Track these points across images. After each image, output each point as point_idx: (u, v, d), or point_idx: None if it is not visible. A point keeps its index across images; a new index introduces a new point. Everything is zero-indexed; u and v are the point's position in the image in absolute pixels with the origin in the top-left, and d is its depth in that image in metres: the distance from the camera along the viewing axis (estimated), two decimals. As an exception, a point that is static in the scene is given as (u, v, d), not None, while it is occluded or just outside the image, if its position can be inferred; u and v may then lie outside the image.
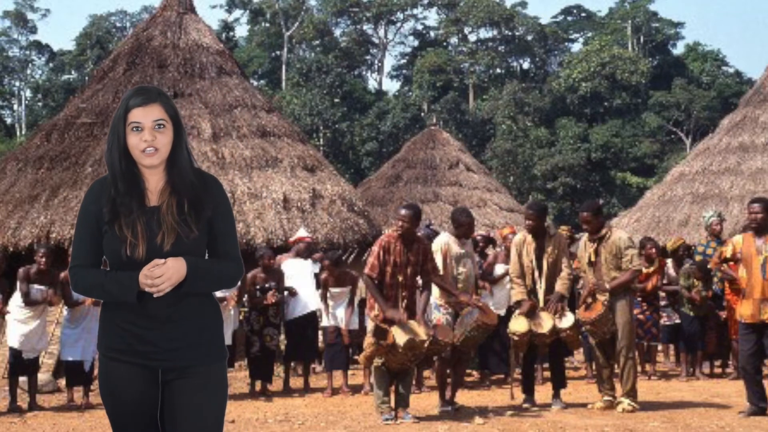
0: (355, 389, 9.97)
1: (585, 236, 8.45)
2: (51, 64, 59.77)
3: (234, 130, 14.98)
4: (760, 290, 7.69)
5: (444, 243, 8.18)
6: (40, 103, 56.54)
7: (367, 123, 48.97)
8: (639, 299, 10.60)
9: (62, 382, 10.18)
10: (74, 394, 9.38)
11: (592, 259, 8.23)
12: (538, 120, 49.72)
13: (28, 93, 58.35)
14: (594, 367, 9.04)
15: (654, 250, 10.80)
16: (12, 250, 12.70)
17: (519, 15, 57.62)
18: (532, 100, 49.88)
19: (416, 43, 61.01)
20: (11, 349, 9.24)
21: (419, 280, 7.94)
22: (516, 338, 8.16)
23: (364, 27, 60.40)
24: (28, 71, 59.02)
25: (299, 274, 10.53)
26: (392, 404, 7.75)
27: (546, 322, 8.11)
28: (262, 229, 13.44)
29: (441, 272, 7.93)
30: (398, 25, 60.87)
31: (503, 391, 9.52)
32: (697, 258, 11.21)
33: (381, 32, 60.60)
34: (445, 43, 58.95)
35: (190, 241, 2.98)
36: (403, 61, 61.17)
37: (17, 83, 58.28)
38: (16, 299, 9.20)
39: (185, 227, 2.98)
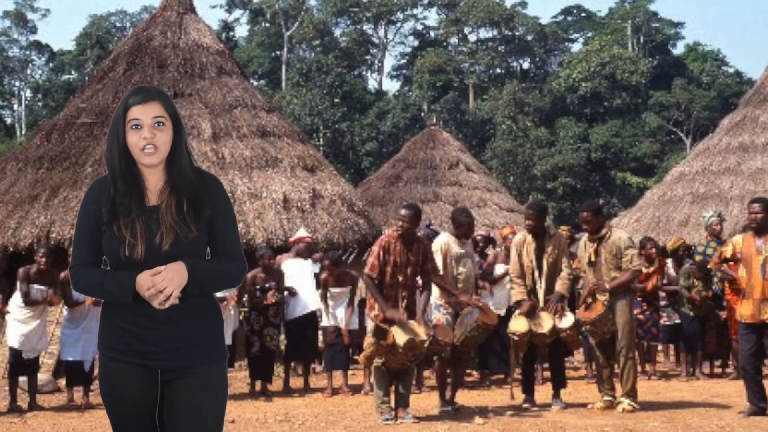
0: (355, 389, 9.97)
1: (585, 236, 8.45)
2: (51, 64, 59.77)
3: (234, 130, 14.99)
4: (760, 290, 7.69)
5: (444, 243, 8.18)
6: (40, 103, 56.55)
7: (367, 123, 48.98)
8: (639, 299, 10.60)
9: (62, 382, 10.18)
10: (74, 394, 9.38)
11: (592, 259, 8.23)
12: (538, 120, 49.72)
13: (28, 93, 58.37)
14: (594, 367, 9.04)
15: (654, 250, 10.80)
16: (12, 250, 12.70)
17: (519, 15, 57.63)
18: (532, 100, 49.88)
19: (416, 43, 61.03)
20: (11, 349, 9.24)
21: (419, 280, 7.94)
22: (516, 338, 8.16)
23: (364, 27, 60.41)
24: (28, 71, 59.04)
25: (299, 274, 10.53)
26: (392, 404, 7.75)
27: (546, 322, 8.11)
28: (262, 229, 13.45)
29: (441, 272, 7.93)
30: (398, 25, 60.92)
31: (503, 391, 9.52)
32: (697, 258, 11.21)
33: (381, 32, 60.62)
34: (445, 43, 58.96)
35: (189, 241, 2.98)
36: (403, 61, 61.20)
37: (17, 83, 58.30)
38: (16, 299, 9.20)
39: (184, 227, 2.98)
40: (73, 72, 58.14)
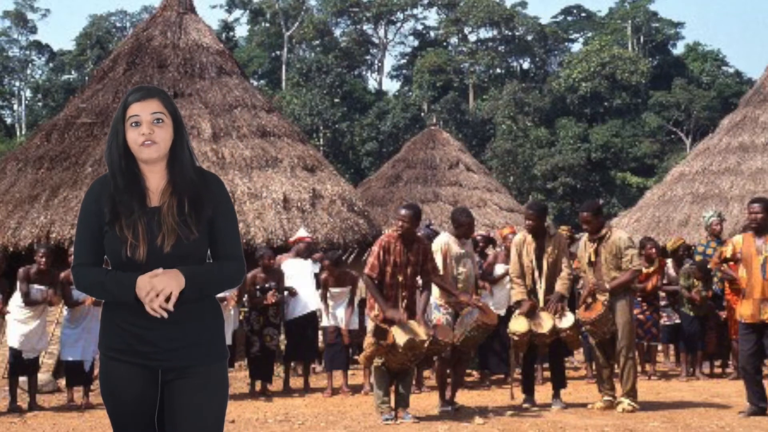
0: (355, 389, 9.97)
1: (585, 236, 8.45)
2: (51, 64, 59.77)
3: (234, 130, 14.99)
4: (760, 290, 7.69)
5: (444, 243, 8.18)
6: (40, 103, 56.55)
7: (367, 123, 48.98)
8: (639, 299, 10.60)
9: (62, 382, 10.18)
10: (74, 394, 9.38)
11: (592, 259, 8.23)
12: (538, 120, 49.72)
13: (28, 93, 58.37)
14: (594, 367, 9.04)
15: (654, 250, 10.80)
16: (12, 250, 12.70)
17: (519, 15, 57.63)
18: (532, 100, 49.88)
19: (416, 43, 61.03)
20: (11, 349, 9.23)
21: (419, 280, 7.94)
22: (516, 338, 8.16)
23: (364, 27, 60.41)
24: (28, 71, 59.04)
25: (299, 274, 10.53)
26: (392, 404, 7.75)
27: (546, 322, 8.11)
28: (262, 229, 13.45)
29: (441, 272, 7.93)
30: (398, 25, 60.92)
31: (503, 391, 9.52)
32: (697, 258, 11.21)
33: (381, 32, 60.62)
34: (445, 43, 58.96)
35: (190, 243, 2.97)
36: (403, 61, 61.20)
37: (17, 83, 58.30)
38: (16, 299, 9.20)
39: (185, 228, 2.97)
40: (73, 72, 58.15)
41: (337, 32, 59.52)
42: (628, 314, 8.18)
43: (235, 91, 15.72)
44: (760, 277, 7.71)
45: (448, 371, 8.34)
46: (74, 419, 8.46)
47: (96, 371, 9.63)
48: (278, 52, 57.80)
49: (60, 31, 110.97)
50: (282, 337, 10.63)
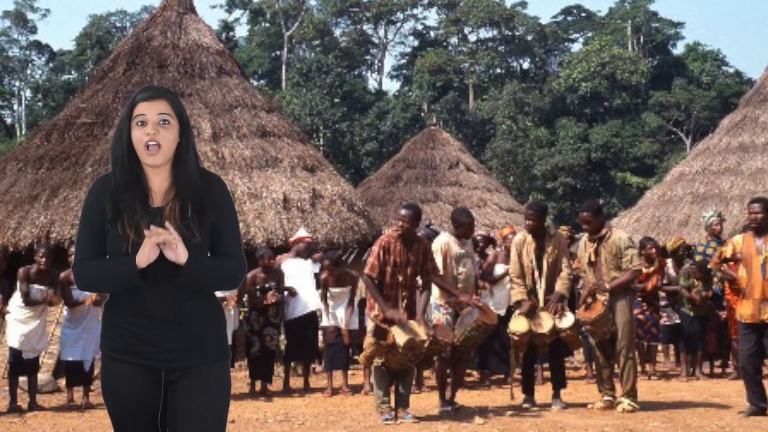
0: (355, 389, 9.97)
1: (585, 236, 8.45)
2: (51, 64, 59.77)
3: (234, 130, 14.99)
4: (760, 290, 7.69)
5: (444, 243, 8.18)
6: (40, 103, 56.54)
7: (367, 123, 48.98)
8: (639, 299, 10.60)
9: (62, 382, 10.18)
10: (74, 394, 9.38)
11: (592, 259, 8.23)
12: (538, 120, 49.72)
13: (28, 93, 58.37)
14: (594, 367, 9.04)
15: (654, 250, 10.79)
16: (12, 250, 12.70)
17: (519, 15, 57.62)
18: (532, 100, 49.88)
19: (416, 43, 61.02)
20: (11, 349, 9.23)
21: (419, 280, 7.94)
22: (516, 338, 8.16)
23: (364, 27, 60.41)
24: (28, 71, 59.04)
25: (299, 274, 10.53)
26: (392, 404, 7.75)
27: (546, 322, 8.11)
28: (262, 229, 13.45)
29: (441, 272, 7.93)
30: (398, 25, 60.92)
31: (503, 391, 9.52)
32: (697, 258, 11.21)
33: (381, 32, 60.62)
34: (445, 43, 58.96)
35: (192, 246, 2.95)
36: (403, 61, 61.20)
37: (17, 83, 58.30)
38: (16, 299, 9.20)
39: (187, 232, 2.96)
40: (73, 72, 58.14)
41: (337, 32, 59.56)
42: (628, 314, 8.18)
43: (235, 91, 15.72)
44: (760, 277, 7.71)
45: (448, 371, 8.34)
46: (74, 419, 8.46)
47: (96, 371, 9.63)
48: (278, 52, 57.80)
49: (60, 31, 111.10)
50: (282, 337, 10.63)
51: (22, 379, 9.52)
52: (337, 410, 8.53)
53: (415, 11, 60.18)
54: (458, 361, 8.32)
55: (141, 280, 2.90)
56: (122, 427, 3.04)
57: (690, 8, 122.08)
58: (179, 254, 2.89)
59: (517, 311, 8.29)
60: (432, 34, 61.06)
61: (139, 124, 2.97)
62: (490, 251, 11.80)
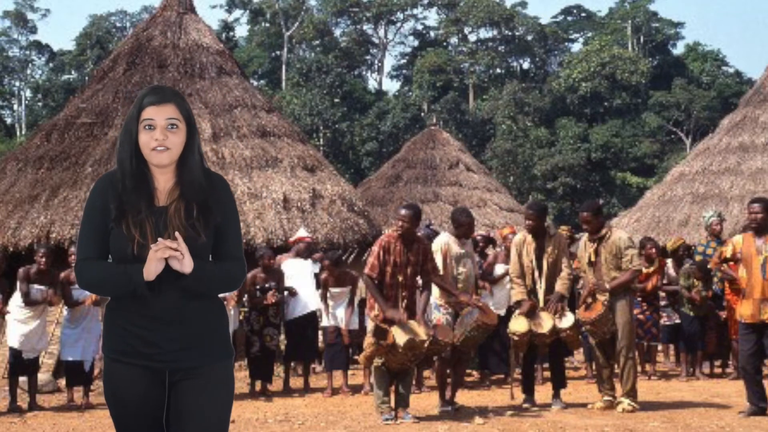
0: (355, 389, 9.98)
1: (585, 236, 8.45)
2: (51, 64, 59.77)
3: (234, 130, 14.99)
4: (760, 290, 7.69)
5: (444, 243, 8.18)
6: (40, 103, 56.54)
7: (367, 123, 48.98)
8: (639, 299, 10.60)
9: (62, 382, 10.18)
10: (74, 394, 9.38)
11: (592, 259, 8.23)
12: (538, 120, 49.72)
13: (28, 93, 58.36)
14: (594, 367, 9.04)
15: (654, 250, 10.80)
16: (12, 250, 12.69)
17: (519, 15, 57.63)
18: (532, 100, 49.88)
19: (416, 43, 61.02)
20: (11, 349, 9.23)
21: (419, 280, 7.94)
22: (516, 338, 8.16)
23: (364, 27, 60.41)
24: (28, 71, 59.03)
25: (299, 274, 10.53)
26: (392, 404, 7.75)
27: (546, 322, 8.11)
28: (262, 229, 13.44)
29: (441, 272, 7.93)
30: (398, 25, 60.92)
31: (503, 391, 9.52)
32: (697, 258, 11.21)
33: (381, 32, 60.62)
34: (445, 43, 58.96)
35: (198, 245, 2.95)
36: (403, 61, 61.20)
37: (17, 83, 58.30)
38: (16, 299, 9.20)
39: (193, 232, 2.95)
40: (73, 72, 58.15)
41: (337, 32, 59.57)
42: (628, 314, 8.18)
43: (235, 91, 15.72)
44: (760, 277, 7.71)
45: (448, 371, 8.34)
46: (74, 419, 8.46)
47: (96, 371, 9.63)
48: (278, 52, 57.80)
49: (60, 31, 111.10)
50: (282, 337, 10.63)
51: (22, 379, 9.52)
52: (337, 410, 8.53)
53: (415, 11, 60.25)
54: (458, 361, 8.32)
55: (147, 290, 2.90)
56: (124, 428, 3.02)
57: (690, 8, 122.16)
58: (185, 265, 2.88)
59: (517, 311, 8.29)
60: (432, 34, 61.07)
61: (147, 128, 2.96)
62: (490, 251, 11.80)
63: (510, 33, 56.85)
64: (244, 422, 7.77)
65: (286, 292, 10.19)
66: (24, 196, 13.71)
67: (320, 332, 10.60)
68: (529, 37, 57.63)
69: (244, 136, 14.95)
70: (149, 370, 2.96)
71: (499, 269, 10.48)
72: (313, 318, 10.47)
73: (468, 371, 10.16)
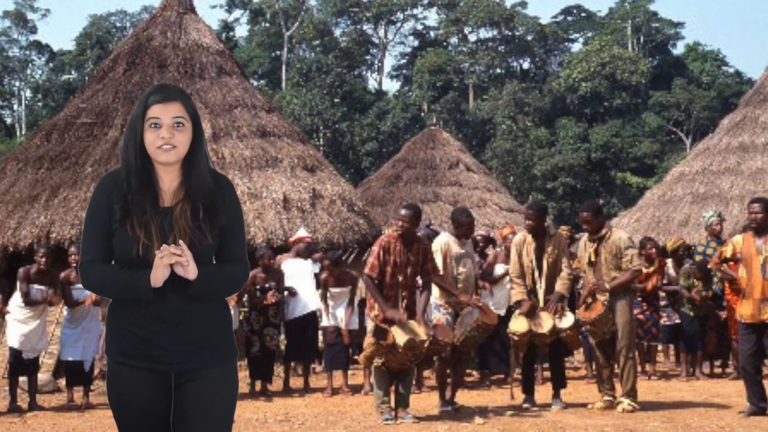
0: (355, 389, 9.97)
1: (585, 236, 8.45)
2: (51, 64, 59.77)
3: (234, 130, 14.99)
4: (760, 290, 7.69)
5: (444, 243, 8.18)
6: (40, 103, 56.54)
7: (367, 123, 48.98)
8: (639, 299, 10.60)
9: (62, 382, 10.17)
10: (74, 394, 9.38)
11: (592, 259, 8.24)
12: (538, 120, 49.73)
13: (28, 93, 58.37)
14: (594, 367, 9.04)
15: (654, 250, 10.80)
16: (12, 250, 12.69)
17: (519, 15, 57.63)
18: (532, 100, 49.89)
19: (416, 43, 61.02)
20: (11, 349, 9.23)
21: (419, 280, 7.94)
22: (516, 338, 8.16)
23: (364, 27, 60.41)
24: (28, 71, 59.04)
25: (299, 274, 10.53)
26: (392, 404, 7.75)
27: (546, 322, 8.11)
28: (262, 229, 13.45)
29: (441, 272, 7.93)
30: (398, 25, 60.92)
31: (503, 391, 9.52)
32: (697, 258, 11.21)
33: (381, 32, 60.62)
34: (445, 43, 58.96)
35: (203, 247, 2.94)
36: (403, 61, 61.20)
37: (17, 83, 58.30)
38: (16, 299, 9.19)
39: (199, 233, 2.93)
40: (73, 72, 58.14)
41: (337, 32, 59.56)
42: (628, 314, 8.18)
43: (235, 91, 15.72)
44: (760, 277, 7.71)
45: (448, 371, 8.34)
46: (74, 419, 8.46)
47: (96, 371, 9.63)
48: (278, 52, 57.80)
49: (60, 31, 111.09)
50: (282, 337, 10.63)
51: (22, 379, 9.52)
52: (337, 410, 8.53)
53: (415, 11, 60.25)
54: (458, 361, 8.32)
55: (153, 295, 2.88)
56: (128, 431, 3.00)
57: (690, 8, 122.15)
58: (189, 271, 2.86)
59: (517, 311, 8.29)
60: (432, 34, 61.07)
61: (153, 126, 2.94)
62: (490, 251, 11.80)
63: (510, 33, 56.85)
64: (244, 422, 7.77)
65: (286, 292, 10.18)
66: (24, 196, 13.71)
67: (320, 332, 10.60)
68: (529, 37, 57.63)
69: (244, 136, 14.95)
70: (155, 373, 2.94)
71: (499, 269, 10.48)
72: (313, 318, 10.47)
73: (468, 371, 10.16)
